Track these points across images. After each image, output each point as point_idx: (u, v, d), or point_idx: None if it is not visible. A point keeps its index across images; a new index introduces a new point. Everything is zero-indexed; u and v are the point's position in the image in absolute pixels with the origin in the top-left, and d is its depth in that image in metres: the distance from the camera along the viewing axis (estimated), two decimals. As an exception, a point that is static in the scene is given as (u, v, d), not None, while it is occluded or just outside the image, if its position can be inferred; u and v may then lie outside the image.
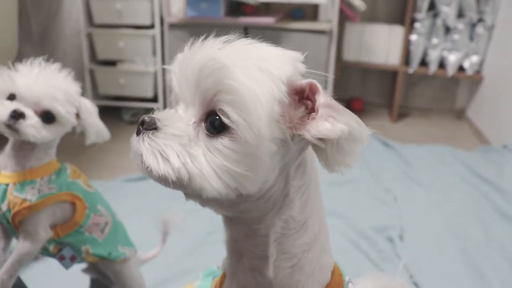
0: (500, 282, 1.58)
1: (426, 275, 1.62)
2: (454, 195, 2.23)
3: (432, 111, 3.60)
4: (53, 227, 1.07)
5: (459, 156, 2.64)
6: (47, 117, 0.98)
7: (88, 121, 1.05)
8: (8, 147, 1.03)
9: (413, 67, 3.26)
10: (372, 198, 2.17)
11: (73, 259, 1.10)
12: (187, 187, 0.49)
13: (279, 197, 0.54)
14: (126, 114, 3.25)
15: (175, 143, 0.49)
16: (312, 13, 3.17)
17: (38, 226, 1.02)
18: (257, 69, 0.48)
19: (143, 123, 0.51)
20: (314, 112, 0.49)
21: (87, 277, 1.37)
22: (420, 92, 3.59)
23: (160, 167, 0.48)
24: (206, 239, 1.80)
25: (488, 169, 2.44)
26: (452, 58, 3.17)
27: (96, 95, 3.17)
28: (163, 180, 0.49)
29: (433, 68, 3.24)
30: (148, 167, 0.49)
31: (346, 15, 3.12)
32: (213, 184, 0.47)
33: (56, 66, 1.02)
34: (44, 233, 1.04)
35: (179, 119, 0.51)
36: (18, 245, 1.03)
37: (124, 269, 1.21)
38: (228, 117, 0.47)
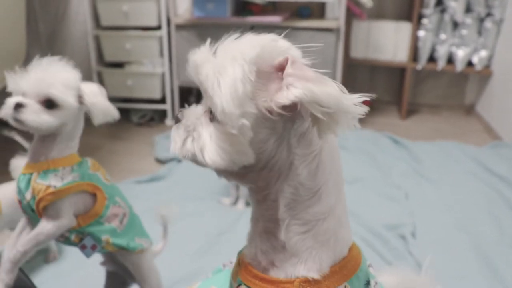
0: (514, 279, 1.57)
1: (438, 272, 1.60)
2: (465, 191, 2.21)
3: (441, 107, 3.58)
4: (75, 217, 1.11)
5: (470, 152, 2.62)
6: (49, 104, 1.03)
7: (92, 101, 1.08)
8: (33, 141, 1.09)
9: (421, 64, 3.24)
10: (383, 196, 2.16)
11: (94, 248, 1.14)
12: (194, 162, 0.61)
13: (284, 165, 0.58)
14: (135, 115, 3.26)
15: (182, 131, 0.62)
16: (319, 11, 3.16)
17: (61, 212, 1.07)
18: (226, 59, 0.54)
19: (176, 118, 0.65)
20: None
21: (97, 280, 1.38)
22: (429, 89, 3.57)
23: (174, 149, 0.62)
24: (217, 240, 1.80)
25: (499, 165, 2.42)
26: (461, 54, 3.15)
27: (104, 97, 3.18)
28: (181, 157, 0.62)
29: (441, 64, 3.21)
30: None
31: (353, 13, 3.11)
32: (212, 158, 0.57)
33: (54, 58, 1.06)
34: (67, 220, 1.08)
35: (193, 112, 0.63)
36: (40, 225, 1.08)
37: (143, 261, 1.24)
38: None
